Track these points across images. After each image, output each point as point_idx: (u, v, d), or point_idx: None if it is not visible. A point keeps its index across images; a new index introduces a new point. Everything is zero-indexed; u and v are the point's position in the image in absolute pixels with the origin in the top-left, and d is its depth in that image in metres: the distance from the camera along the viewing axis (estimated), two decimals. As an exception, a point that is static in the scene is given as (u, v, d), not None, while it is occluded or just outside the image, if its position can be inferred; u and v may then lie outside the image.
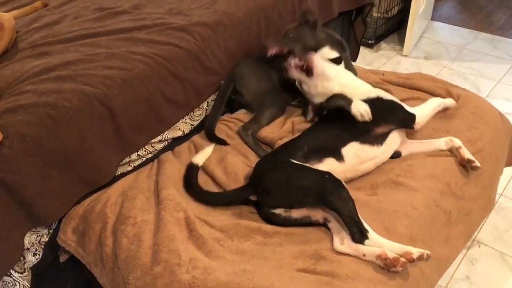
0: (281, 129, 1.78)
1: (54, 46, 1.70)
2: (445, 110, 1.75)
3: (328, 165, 1.49)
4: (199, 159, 1.62)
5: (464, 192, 1.54)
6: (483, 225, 2.03)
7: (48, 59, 1.61)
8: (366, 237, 1.28)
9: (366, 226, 1.30)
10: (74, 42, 1.71)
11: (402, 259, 1.25)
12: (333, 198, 1.33)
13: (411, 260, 1.24)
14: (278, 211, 1.42)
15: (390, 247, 1.27)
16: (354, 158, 1.51)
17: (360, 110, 1.53)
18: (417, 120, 1.58)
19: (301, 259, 1.32)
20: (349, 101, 1.57)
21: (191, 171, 1.58)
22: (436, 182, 1.51)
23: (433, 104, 1.70)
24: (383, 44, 3.52)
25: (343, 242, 1.32)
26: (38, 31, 1.82)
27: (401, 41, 3.46)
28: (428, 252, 1.26)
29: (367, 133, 1.54)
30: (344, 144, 1.52)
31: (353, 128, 1.54)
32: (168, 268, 1.27)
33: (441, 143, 1.63)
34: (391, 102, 1.61)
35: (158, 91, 1.61)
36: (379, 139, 1.55)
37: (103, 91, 1.48)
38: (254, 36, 1.96)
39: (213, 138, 1.74)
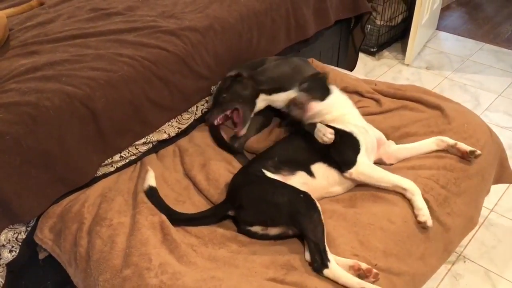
0: (267, 139, 1.78)
1: (44, 45, 1.72)
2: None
3: (301, 178, 1.49)
4: (150, 181, 1.52)
5: (445, 209, 1.52)
6: (470, 240, 2.00)
7: (36, 58, 1.63)
8: (326, 267, 1.25)
9: (329, 256, 1.27)
10: (64, 42, 1.73)
11: (375, 270, 1.25)
12: (303, 220, 1.32)
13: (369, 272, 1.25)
14: (254, 228, 1.41)
15: (347, 280, 1.24)
16: (324, 179, 1.50)
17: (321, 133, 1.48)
18: (352, 170, 1.46)
19: (272, 269, 1.31)
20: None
21: (154, 197, 1.48)
22: (415, 197, 1.50)
23: (389, 180, 1.48)
24: (385, 53, 3.50)
25: None
26: (31, 29, 1.84)
27: (404, 50, 3.43)
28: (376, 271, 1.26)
29: (329, 156, 1.51)
30: (313, 162, 1.51)
31: (318, 148, 1.51)
32: (137, 271, 1.27)
33: (431, 145, 1.63)
34: (349, 137, 1.52)
35: (142, 94, 1.62)
36: None
37: (85, 92, 1.49)
38: (245, 42, 1.96)
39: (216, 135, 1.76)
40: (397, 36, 3.60)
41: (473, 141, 1.72)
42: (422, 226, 1.43)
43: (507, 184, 2.25)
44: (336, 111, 1.60)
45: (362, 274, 1.25)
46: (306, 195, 1.37)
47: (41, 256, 1.58)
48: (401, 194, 1.48)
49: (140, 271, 1.27)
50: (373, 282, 1.25)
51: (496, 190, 2.22)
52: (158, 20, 1.88)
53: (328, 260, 1.26)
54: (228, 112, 1.76)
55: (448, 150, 1.63)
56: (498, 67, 3.30)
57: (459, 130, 1.75)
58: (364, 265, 1.26)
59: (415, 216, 1.44)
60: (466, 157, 1.60)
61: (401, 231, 1.42)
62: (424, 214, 1.42)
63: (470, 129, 1.76)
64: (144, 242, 1.34)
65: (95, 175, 1.59)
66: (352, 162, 1.47)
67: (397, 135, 1.76)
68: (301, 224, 1.31)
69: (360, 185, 1.57)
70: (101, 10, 1.96)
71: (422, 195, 1.49)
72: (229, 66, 1.90)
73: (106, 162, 1.62)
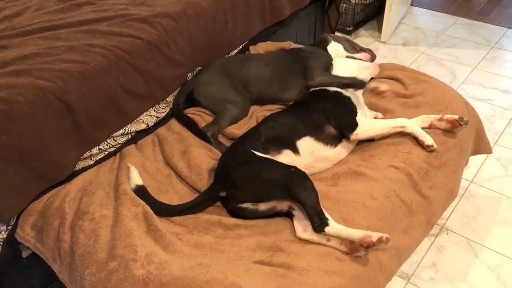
0: (246, 125, 1.77)
1: (13, 39, 1.67)
2: (402, 132, 1.61)
3: (286, 157, 1.50)
4: (136, 180, 1.49)
5: (426, 182, 1.54)
6: (452, 212, 2.04)
7: (5, 53, 1.58)
8: (327, 224, 1.28)
9: (327, 215, 1.31)
10: (33, 35, 1.68)
11: (365, 244, 1.27)
12: (298, 190, 1.33)
13: (371, 244, 1.25)
14: (245, 205, 1.42)
15: (349, 233, 1.28)
16: (309, 155, 1.53)
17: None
18: (357, 131, 1.56)
19: (258, 251, 1.32)
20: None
21: (143, 194, 1.46)
22: (397, 172, 1.52)
23: (388, 125, 1.60)
24: (361, 31, 3.50)
25: (306, 229, 1.33)
26: (-3, 24, 1.79)
27: (379, 28, 3.43)
28: (387, 235, 1.27)
29: (321, 129, 1.55)
30: (299, 137, 1.53)
31: (308, 121, 1.56)
32: (123, 263, 1.26)
33: (417, 122, 1.66)
34: (346, 102, 1.63)
35: (117, 84, 1.59)
36: (333, 141, 1.57)
37: (58, 85, 1.45)
38: (220, 26, 1.93)
39: (182, 119, 1.76)
40: (372, 14, 3.60)
41: (449, 113, 1.74)
42: (430, 149, 1.57)
43: (486, 155, 2.29)
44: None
45: (353, 248, 1.28)
46: (296, 169, 1.40)
47: (25, 254, 1.55)
48: (385, 170, 1.52)
49: (126, 262, 1.26)
50: (363, 256, 1.28)
51: (476, 161, 2.26)
52: (129, 8, 1.84)
53: (327, 218, 1.29)
54: None
55: (432, 126, 1.65)
56: (472, 40, 3.34)
57: (434, 103, 1.78)
58: (355, 238, 1.28)
59: (422, 143, 1.57)
60: (456, 125, 1.63)
61: (384, 207, 1.44)
62: (429, 139, 1.56)
63: (445, 102, 1.78)
64: (129, 234, 1.33)
65: (74, 170, 1.56)
66: (354, 124, 1.57)
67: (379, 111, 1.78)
68: (296, 193, 1.33)
69: (341, 162, 1.59)
70: (70, 1, 1.92)
71: (404, 169, 1.52)
72: (205, 51, 1.88)
73: (85, 155, 1.59)
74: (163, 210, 1.43)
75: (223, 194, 1.45)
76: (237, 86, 1.83)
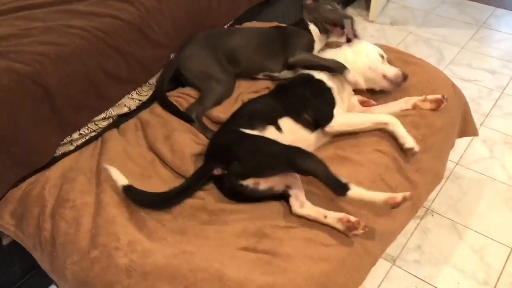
0: (232, 108, 1.73)
1: (-14, 20, 1.60)
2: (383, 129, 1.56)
3: (270, 133, 1.50)
4: (122, 181, 1.38)
5: (411, 166, 1.54)
6: (437, 194, 2.05)
7: (-22, 34, 1.52)
8: (348, 188, 1.28)
9: (344, 180, 1.30)
10: (8, 15, 1.61)
11: (363, 223, 1.27)
12: (304, 162, 1.32)
13: (396, 205, 1.27)
14: (246, 182, 1.38)
15: (372, 196, 1.29)
16: (290, 133, 1.52)
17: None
18: (332, 123, 1.53)
19: (244, 238, 1.31)
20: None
21: (134, 194, 1.37)
22: (382, 156, 1.51)
23: (368, 120, 1.56)
24: (349, 10, 3.45)
25: (303, 205, 1.33)
26: (-31, 3, 1.71)
27: (367, 7, 3.39)
28: (409, 193, 1.29)
29: (298, 113, 1.55)
30: (279, 116, 1.53)
31: (287, 104, 1.56)
32: (105, 252, 1.24)
33: (401, 104, 1.67)
34: (326, 92, 1.60)
35: (98, 67, 1.54)
36: (311, 126, 1.56)
37: (36, 68, 1.40)
38: (204, 5, 1.88)
39: (163, 101, 1.72)
40: (360, -8, 3.55)
41: (436, 95, 1.73)
42: (410, 153, 1.50)
43: (471, 137, 2.29)
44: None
45: (351, 226, 1.27)
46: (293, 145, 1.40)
47: (5, 242, 1.53)
48: (370, 151, 1.51)
49: (108, 251, 1.24)
50: (361, 233, 1.27)
51: (462, 143, 2.26)
52: (109, -13, 1.77)
53: (347, 183, 1.28)
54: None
55: (416, 107, 1.65)
56: (461, 20, 3.31)
57: (422, 86, 1.76)
58: (353, 218, 1.28)
59: (402, 145, 1.50)
60: (440, 103, 1.64)
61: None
62: (410, 141, 1.49)
63: (432, 84, 1.77)
64: (111, 221, 1.31)
65: (54, 155, 1.52)
66: (330, 117, 1.53)
67: (362, 95, 1.75)
68: (303, 165, 1.31)
69: (327, 147, 1.57)
70: (46, -22, 1.84)
71: (390, 153, 1.51)
72: (188, 32, 1.83)
73: (65, 140, 1.55)
74: (164, 201, 1.38)
75: (217, 172, 1.41)
76: (222, 60, 1.79)
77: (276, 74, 1.81)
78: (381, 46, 2.02)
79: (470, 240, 1.87)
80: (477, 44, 3.05)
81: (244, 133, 1.46)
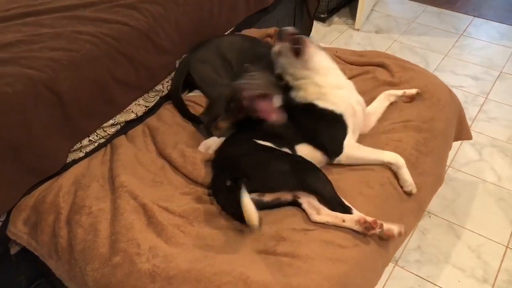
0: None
1: (-9, 25, 1.58)
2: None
3: None
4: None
5: (417, 169, 1.59)
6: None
7: (-15, 40, 1.50)
8: (351, 213, 1.33)
9: (347, 203, 1.34)
10: (14, 21, 1.60)
11: (380, 221, 1.31)
12: (312, 181, 1.35)
13: (392, 236, 1.33)
14: (251, 195, 1.38)
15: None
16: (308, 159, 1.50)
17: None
18: (340, 157, 1.49)
19: (262, 241, 1.32)
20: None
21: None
22: (390, 160, 1.55)
23: (375, 158, 1.52)
24: (335, 18, 3.53)
25: (319, 212, 1.35)
26: (-29, 8, 1.68)
27: (352, 15, 3.48)
28: (402, 230, 1.35)
29: (316, 140, 1.52)
30: (298, 141, 1.52)
31: (305, 129, 1.53)
32: (127, 257, 1.24)
33: (384, 101, 1.75)
34: (332, 121, 1.51)
35: (107, 73, 1.54)
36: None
37: (48, 74, 1.39)
38: (207, 13, 1.90)
39: (184, 112, 1.73)
40: (345, 1, 3.63)
41: (434, 100, 1.80)
42: (407, 193, 1.51)
43: (461, 141, 2.38)
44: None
45: (368, 226, 1.30)
46: (303, 158, 1.41)
47: (13, 251, 1.50)
48: None
49: (130, 257, 1.24)
50: (379, 233, 1.32)
51: (452, 147, 2.34)
52: (113, -7, 1.77)
53: (349, 207, 1.33)
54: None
55: (397, 101, 1.76)
56: (442, 28, 3.43)
57: (420, 92, 1.82)
58: (369, 218, 1.31)
59: (401, 187, 1.51)
60: (413, 99, 1.75)
61: (380, 194, 1.47)
62: (409, 185, 1.50)
63: (430, 90, 1.83)
64: (129, 227, 1.30)
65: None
66: (339, 149, 1.49)
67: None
68: (311, 185, 1.34)
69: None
70: (48, -16, 1.82)
71: (396, 157, 1.56)
72: (192, 39, 1.84)
73: (75, 147, 1.54)
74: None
75: (228, 184, 1.42)
76: (228, 69, 1.81)
77: None
78: (377, 52, 2.09)
79: (467, 240, 1.94)
80: (459, 51, 3.17)
81: (254, 144, 1.46)
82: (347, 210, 1.33)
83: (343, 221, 1.32)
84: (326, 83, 1.57)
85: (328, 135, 1.50)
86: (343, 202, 1.34)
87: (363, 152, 1.52)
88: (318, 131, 1.51)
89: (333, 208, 1.32)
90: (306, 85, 1.57)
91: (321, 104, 1.53)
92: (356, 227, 1.31)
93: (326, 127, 1.51)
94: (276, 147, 1.48)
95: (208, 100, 1.79)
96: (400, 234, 1.33)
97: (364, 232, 1.31)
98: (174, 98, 1.77)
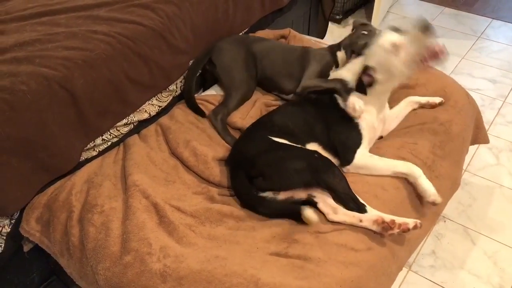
0: (248, 115, 1.75)
1: (8, 24, 1.59)
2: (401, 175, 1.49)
3: None
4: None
5: (433, 173, 1.56)
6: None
7: (2, 38, 1.51)
8: (365, 211, 1.31)
9: (361, 200, 1.32)
10: (30, 20, 1.61)
11: (398, 222, 1.28)
12: (327, 177, 1.33)
13: (407, 230, 1.28)
14: (265, 193, 1.40)
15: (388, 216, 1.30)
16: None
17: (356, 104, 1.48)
18: (349, 167, 1.47)
19: (273, 243, 1.31)
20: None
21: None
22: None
23: (388, 169, 1.46)
24: (350, 20, 3.50)
25: (336, 211, 1.33)
26: (-11, 8, 1.70)
27: (368, 16, 3.45)
28: (420, 221, 1.30)
29: (327, 141, 1.51)
30: (309, 141, 1.51)
31: (316, 127, 1.52)
32: (138, 257, 1.24)
33: (407, 107, 1.71)
34: (353, 127, 1.49)
35: (121, 72, 1.54)
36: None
37: (63, 73, 1.40)
38: (222, 13, 1.89)
39: (193, 105, 1.74)
40: (361, 2, 3.61)
41: (452, 103, 1.77)
42: (432, 204, 1.44)
43: (478, 145, 2.34)
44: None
45: (386, 227, 1.28)
46: (319, 154, 1.39)
47: (26, 248, 1.50)
48: None
49: (141, 256, 1.23)
50: (397, 233, 1.29)
51: (469, 151, 2.30)
52: (128, -7, 1.78)
53: (364, 204, 1.32)
54: None
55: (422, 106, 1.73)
56: (459, 30, 3.38)
57: (437, 95, 1.79)
58: (387, 218, 1.29)
59: (423, 198, 1.44)
60: (435, 107, 1.72)
61: (394, 197, 1.45)
62: (431, 195, 1.41)
63: (447, 93, 1.81)
64: (141, 226, 1.30)
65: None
66: (350, 159, 1.47)
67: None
68: (326, 181, 1.33)
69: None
70: (64, -16, 1.83)
71: (411, 160, 1.53)
72: (207, 39, 1.84)
73: (88, 146, 1.54)
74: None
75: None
76: (249, 61, 1.81)
77: (284, 97, 1.83)
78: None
79: (483, 246, 1.90)
80: (476, 54, 3.12)
81: (270, 142, 1.46)
82: (360, 207, 1.31)
83: (360, 220, 1.30)
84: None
85: (343, 139, 1.49)
86: (357, 198, 1.32)
87: (374, 162, 1.47)
88: (334, 132, 1.50)
89: (346, 205, 1.30)
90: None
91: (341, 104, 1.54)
92: (373, 227, 1.30)
93: (343, 131, 1.50)
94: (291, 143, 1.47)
95: (224, 90, 1.80)
96: (415, 227, 1.28)
97: (382, 233, 1.29)
98: (187, 82, 1.79)
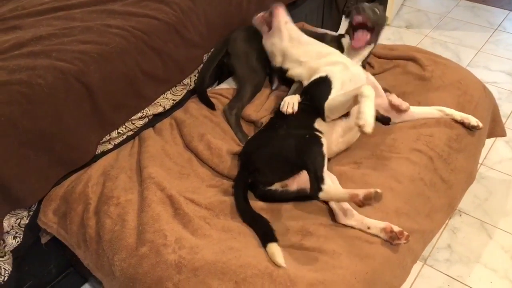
0: (262, 108, 1.75)
1: (25, 19, 1.61)
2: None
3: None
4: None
5: (447, 166, 1.55)
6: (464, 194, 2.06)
7: (19, 33, 1.53)
8: (321, 190, 1.24)
9: (326, 180, 1.25)
10: (46, 15, 1.63)
11: (406, 232, 1.27)
12: (306, 156, 1.31)
13: (359, 202, 1.20)
14: (274, 187, 1.40)
15: (339, 196, 1.25)
16: (329, 132, 1.50)
17: (288, 100, 1.53)
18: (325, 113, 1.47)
19: (288, 235, 1.31)
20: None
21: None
22: (420, 155, 1.52)
23: (352, 93, 1.38)
24: (364, 13, 3.47)
25: (346, 214, 1.32)
26: (5, 3, 1.73)
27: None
28: (378, 190, 1.19)
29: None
30: (313, 119, 1.50)
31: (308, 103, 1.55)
32: (154, 248, 1.25)
33: (435, 115, 1.65)
34: (326, 86, 1.52)
35: (136, 66, 1.55)
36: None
37: (79, 67, 1.41)
38: (235, 6, 1.90)
39: (204, 98, 1.75)
40: (375, -4, 3.57)
41: (468, 97, 1.75)
42: (360, 130, 1.27)
43: (494, 138, 2.31)
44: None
45: (394, 236, 1.27)
46: (311, 135, 1.38)
47: (44, 240, 1.53)
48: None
49: (156, 247, 1.24)
50: (404, 244, 1.28)
51: (485, 144, 2.27)
52: (142, -13, 1.79)
53: (322, 183, 1.24)
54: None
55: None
56: (475, 23, 3.34)
57: (453, 88, 1.78)
58: (396, 228, 1.27)
59: (356, 119, 1.28)
60: (467, 127, 1.65)
61: (409, 190, 1.44)
62: (362, 118, 1.25)
63: (464, 86, 1.78)
64: (156, 218, 1.31)
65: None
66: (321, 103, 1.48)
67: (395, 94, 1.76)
68: (304, 161, 1.29)
69: (364, 148, 1.57)
70: (80, -21, 1.85)
71: (427, 153, 1.51)
72: (221, 32, 1.85)
73: (104, 139, 1.56)
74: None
75: (250, 180, 1.43)
76: (263, 52, 1.81)
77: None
78: (407, 46, 2.05)
79: (499, 240, 1.88)
80: (493, 46, 3.08)
81: (270, 136, 1.46)
82: (318, 185, 1.23)
83: (368, 228, 1.29)
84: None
85: (320, 96, 1.50)
86: (322, 177, 1.24)
87: (335, 98, 1.46)
88: (314, 91, 1.55)
89: (310, 183, 1.25)
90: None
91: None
92: (381, 235, 1.28)
93: (315, 90, 1.55)
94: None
95: (238, 81, 1.81)
96: (368, 197, 1.19)
97: (389, 241, 1.28)
98: (201, 74, 1.80)
